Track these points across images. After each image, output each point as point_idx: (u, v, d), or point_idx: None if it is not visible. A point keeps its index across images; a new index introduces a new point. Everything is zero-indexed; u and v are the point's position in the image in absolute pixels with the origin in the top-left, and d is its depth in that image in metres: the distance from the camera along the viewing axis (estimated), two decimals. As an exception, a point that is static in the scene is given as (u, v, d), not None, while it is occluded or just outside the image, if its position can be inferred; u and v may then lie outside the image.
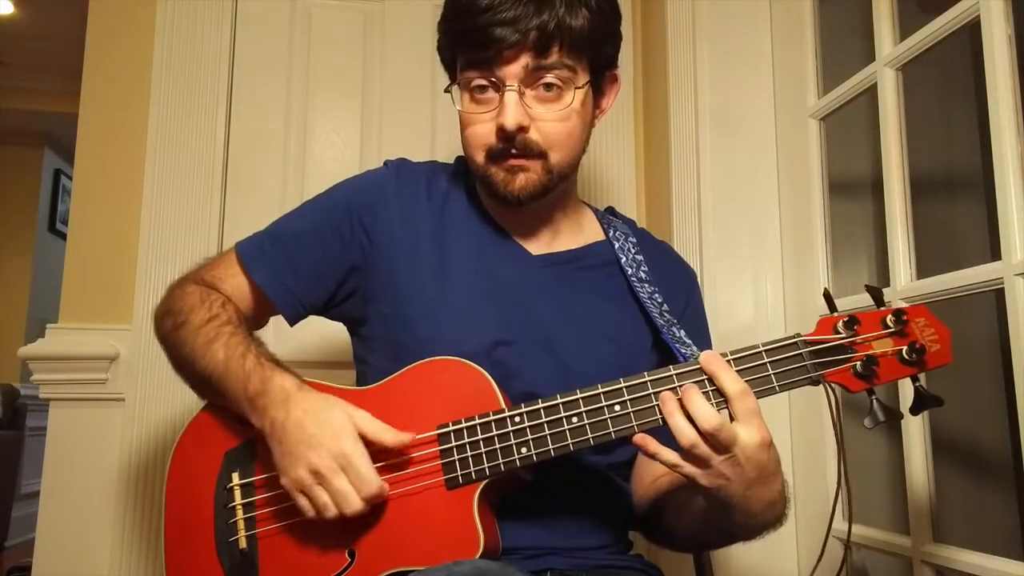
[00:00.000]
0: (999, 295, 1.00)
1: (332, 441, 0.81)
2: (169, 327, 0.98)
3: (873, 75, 1.26)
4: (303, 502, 0.83)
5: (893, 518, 1.39)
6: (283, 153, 1.72)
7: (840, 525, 0.85)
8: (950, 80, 1.70)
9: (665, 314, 0.98)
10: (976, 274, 1.04)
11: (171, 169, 1.61)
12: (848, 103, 1.35)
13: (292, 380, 0.87)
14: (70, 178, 3.25)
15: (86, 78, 1.63)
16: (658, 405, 0.80)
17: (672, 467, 0.78)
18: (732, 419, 0.77)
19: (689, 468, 0.77)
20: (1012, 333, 0.97)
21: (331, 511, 0.82)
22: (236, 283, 1.01)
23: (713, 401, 0.78)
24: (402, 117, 1.77)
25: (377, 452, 0.84)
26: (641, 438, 0.79)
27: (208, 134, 1.64)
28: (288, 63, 1.75)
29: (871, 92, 1.27)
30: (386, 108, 1.77)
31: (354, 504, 0.81)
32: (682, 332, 0.96)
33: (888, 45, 1.24)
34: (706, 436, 0.75)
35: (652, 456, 0.79)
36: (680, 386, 0.79)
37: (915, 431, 1.15)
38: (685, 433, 0.76)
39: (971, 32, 1.06)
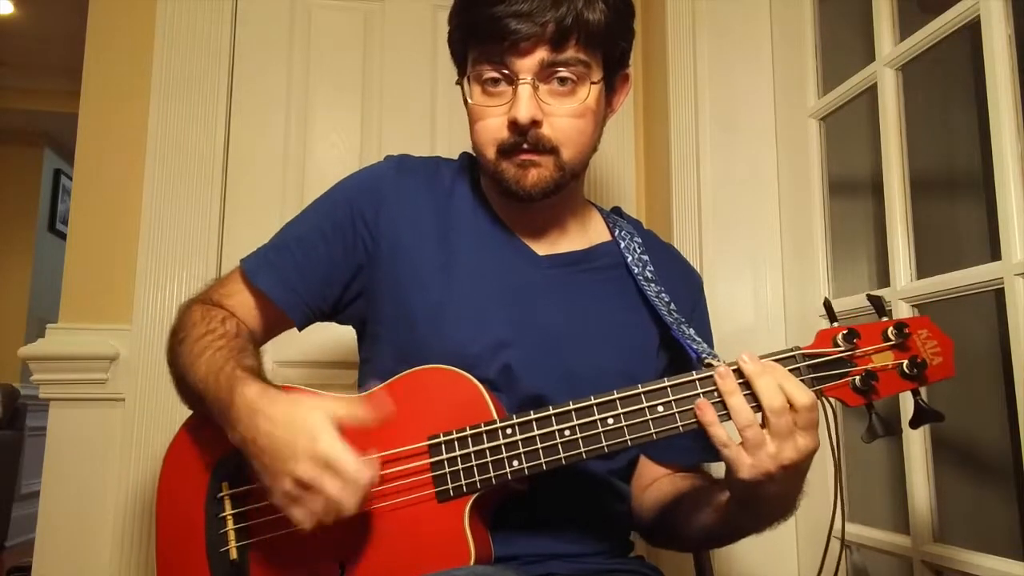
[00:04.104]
0: (999, 295, 1.00)
1: (307, 444, 0.75)
2: (170, 348, 0.96)
3: (873, 75, 1.25)
4: (298, 515, 0.77)
5: (893, 518, 1.39)
6: (283, 153, 1.72)
7: (838, 525, 0.85)
8: (950, 80, 1.70)
9: (673, 312, 0.96)
10: (976, 274, 1.04)
11: (171, 169, 1.61)
12: (848, 103, 1.35)
13: (255, 388, 0.81)
14: (70, 178, 3.25)
15: (86, 78, 1.63)
16: (715, 378, 0.77)
17: (721, 446, 0.77)
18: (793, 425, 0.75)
19: (735, 451, 0.76)
20: (1012, 333, 0.96)
21: (330, 516, 0.76)
22: (242, 298, 0.99)
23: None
24: (402, 117, 1.77)
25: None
26: (701, 404, 0.77)
27: (208, 134, 1.64)
28: (288, 63, 1.75)
29: (871, 92, 1.27)
30: (386, 108, 1.77)
31: (350, 502, 0.75)
32: (691, 331, 0.94)
33: (888, 45, 1.24)
34: (770, 415, 0.73)
35: (707, 426, 0.77)
36: (705, 392, 0.78)
37: (915, 431, 1.15)
38: (743, 413, 0.75)
39: (971, 32, 1.06)
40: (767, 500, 0.80)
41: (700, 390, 0.79)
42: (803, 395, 0.75)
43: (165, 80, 1.63)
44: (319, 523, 0.77)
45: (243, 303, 0.99)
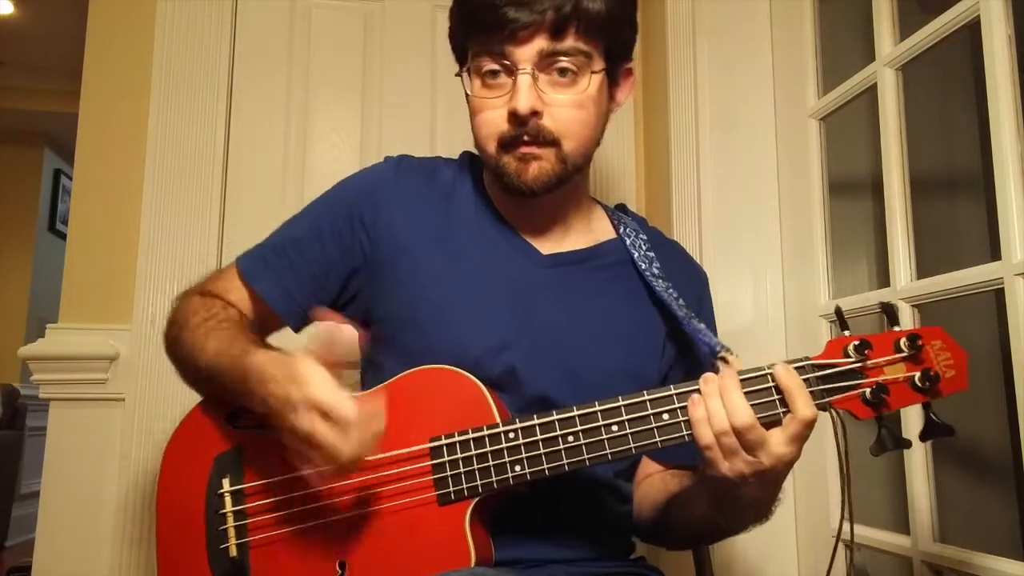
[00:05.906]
0: (999, 295, 1.00)
1: (298, 392, 0.75)
2: (172, 336, 0.96)
3: (873, 75, 1.25)
4: (305, 469, 0.79)
5: (893, 518, 1.39)
6: (283, 153, 1.72)
7: (844, 528, 0.84)
8: (950, 80, 1.70)
9: (683, 308, 0.95)
10: (976, 274, 1.03)
11: (171, 169, 1.61)
12: (848, 103, 1.34)
13: (263, 356, 0.82)
14: (70, 178, 3.25)
15: (86, 78, 1.63)
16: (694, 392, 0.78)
17: (703, 448, 0.77)
18: (779, 429, 0.75)
19: (714, 453, 0.76)
20: (1012, 333, 0.96)
21: (330, 464, 0.76)
22: (239, 296, 0.99)
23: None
24: (402, 117, 1.77)
25: (367, 467, 0.82)
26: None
27: (208, 134, 1.64)
28: (288, 63, 1.75)
29: (871, 92, 1.27)
30: (386, 108, 1.77)
31: (345, 447, 0.74)
32: (702, 325, 0.93)
33: (888, 45, 1.24)
34: (736, 431, 0.74)
35: (694, 423, 0.77)
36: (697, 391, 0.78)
37: (915, 431, 1.14)
38: (717, 418, 0.75)
39: (971, 32, 1.06)
40: (742, 503, 0.81)
41: (696, 390, 0.78)
42: (806, 408, 0.75)
43: (165, 80, 1.63)
44: (326, 477, 0.78)
45: (241, 300, 1.00)
